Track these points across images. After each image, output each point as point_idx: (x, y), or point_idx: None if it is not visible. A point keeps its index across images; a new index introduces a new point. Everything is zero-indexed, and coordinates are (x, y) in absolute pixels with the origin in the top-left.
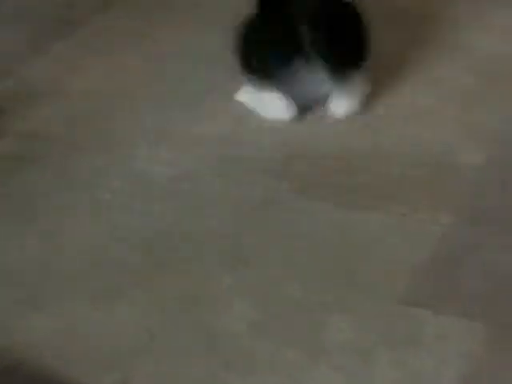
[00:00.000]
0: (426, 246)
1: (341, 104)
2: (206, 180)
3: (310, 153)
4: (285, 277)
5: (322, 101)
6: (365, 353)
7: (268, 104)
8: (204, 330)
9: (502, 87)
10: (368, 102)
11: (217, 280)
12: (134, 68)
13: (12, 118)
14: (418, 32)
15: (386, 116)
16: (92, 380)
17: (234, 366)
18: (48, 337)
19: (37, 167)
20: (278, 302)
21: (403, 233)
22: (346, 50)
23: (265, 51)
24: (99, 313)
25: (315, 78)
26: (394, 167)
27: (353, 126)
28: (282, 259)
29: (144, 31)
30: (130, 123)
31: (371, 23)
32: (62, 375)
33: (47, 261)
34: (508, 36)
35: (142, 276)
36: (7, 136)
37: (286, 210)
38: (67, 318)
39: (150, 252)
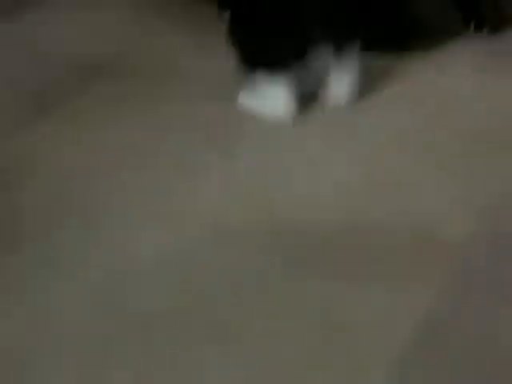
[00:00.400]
0: (410, 320)
1: (342, 88)
2: (197, 257)
3: (297, 226)
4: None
5: (323, 86)
6: None
7: (270, 100)
8: None
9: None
10: (350, 175)
11: (205, 353)
12: (121, 141)
13: None
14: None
15: (371, 187)
16: None
17: None
18: None
19: (25, 244)
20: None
21: (388, 306)
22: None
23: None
24: None
25: (318, 62)
26: (379, 239)
27: (338, 199)
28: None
29: (129, 104)
30: (119, 199)
31: None
32: None
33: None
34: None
35: (130, 355)
36: None
37: (275, 286)
38: None
39: (139, 330)
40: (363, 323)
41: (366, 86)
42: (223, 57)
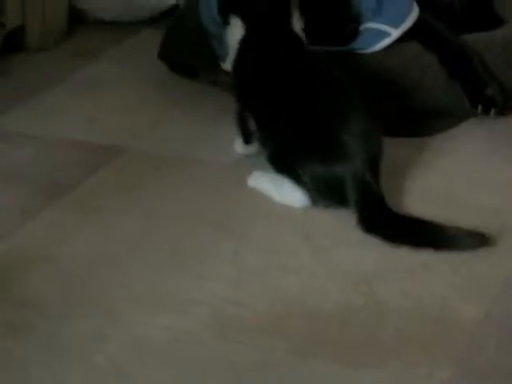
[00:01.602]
0: None
1: None
2: (203, 343)
3: (305, 308)
4: None
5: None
6: None
7: (283, 189)
8: None
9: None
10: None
11: None
12: (128, 229)
13: (4, 285)
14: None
15: (378, 268)
16: None
17: None
18: None
19: (30, 336)
20: None
21: None
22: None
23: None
24: None
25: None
26: (387, 321)
27: (345, 279)
28: None
29: (136, 192)
30: (126, 286)
31: None
32: None
33: None
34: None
35: None
36: None
37: (282, 372)
38: None
39: None
40: None
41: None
42: (231, 142)
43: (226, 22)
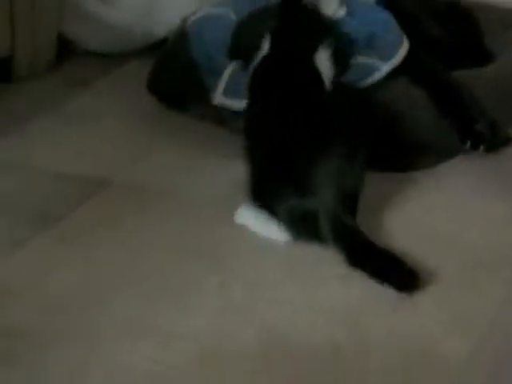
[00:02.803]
0: None
1: None
2: (187, 375)
3: (289, 343)
4: None
5: None
6: None
7: (269, 223)
8: None
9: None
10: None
11: None
12: (114, 261)
13: None
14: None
15: (364, 303)
16: None
17: None
18: None
19: (14, 365)
20: None
21: None
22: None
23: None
24: None
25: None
26: (372, 358)
27: (331, 314)
28: None
29: (122, 224)
30: (111, 317)
31: None
32: None
33: None
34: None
35: None
36: None
37: None
38: None
39: None
40: None
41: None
42: (218, 175)
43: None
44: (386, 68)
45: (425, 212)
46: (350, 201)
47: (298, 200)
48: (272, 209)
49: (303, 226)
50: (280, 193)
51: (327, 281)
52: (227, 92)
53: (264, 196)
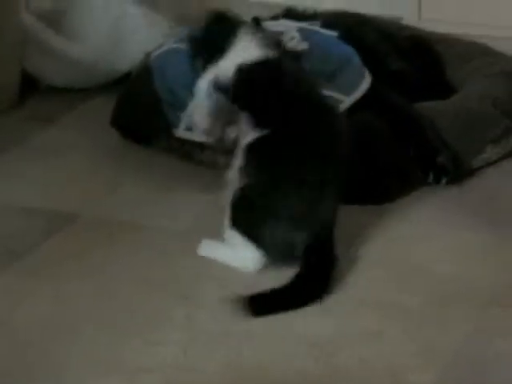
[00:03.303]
0: None
1: None
2: None
3: (258, 374)
4: None
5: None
6: None
7: (235, 254)
8: None
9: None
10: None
11: None
12: (81, 295)
13: None
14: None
15: (335, 334)
16: None
17: None
18: None
19: None
20: None
21: None
22: None
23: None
24: None
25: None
26: None
27: (301, 345)
28: None
29: (89, 258)
30: (77, 352)
31: None
32: None
33: None
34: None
35: None
36: None
37: None
38: None
39: None
40: None
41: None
42: (182, 209)
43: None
44: (348, 101)
45: (391, 243)
46: (325, 232)
47: (280, 232)
48: (255, 235)
49: (283, 256)
50: (263, 223)
51: (298, 312)
52: (189, 126)
53: (249, 222)
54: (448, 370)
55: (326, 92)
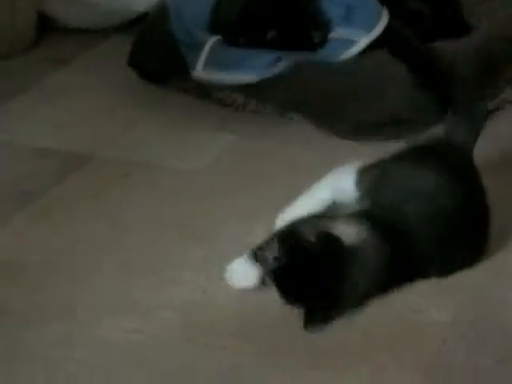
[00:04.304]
0: None
1: None
2: (171, 347)
3: (273, 314)
4: None
5: None
6: None
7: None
8: None
9: None
10: None
11: None
12: (95, 236)
13: None
14: None
15: None
16: None
17: None
18: None
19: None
20: None
21: None
22: None
23: None
24: None
25: None
26: (356, 325)
27: None
28: None
29: (104, 198)
30: (92, 292)
31: None
32: None
33: None
34: None
35: None
36: None
37: (250, 375)
38: None
39: None
40: None
41: None
42: (200, 148)
43: None
44: (364, 41)
45: None
46: None
47: None
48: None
49: None
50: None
51: None
52: (207, 66)
53: None
54: (464, 307)
55: (342, 32)
